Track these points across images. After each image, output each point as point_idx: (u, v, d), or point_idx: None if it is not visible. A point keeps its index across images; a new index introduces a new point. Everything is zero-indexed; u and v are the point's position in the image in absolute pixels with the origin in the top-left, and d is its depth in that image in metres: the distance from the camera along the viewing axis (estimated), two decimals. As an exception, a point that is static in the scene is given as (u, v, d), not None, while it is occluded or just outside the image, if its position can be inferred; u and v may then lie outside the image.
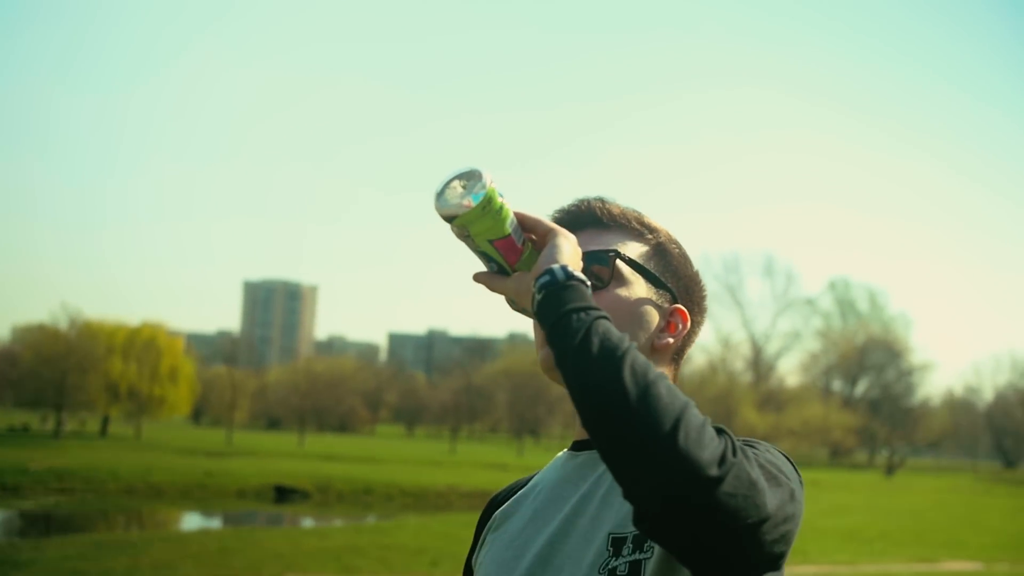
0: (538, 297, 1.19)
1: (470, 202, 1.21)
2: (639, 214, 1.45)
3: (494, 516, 1.47)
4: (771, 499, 1.11)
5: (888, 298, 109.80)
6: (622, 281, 1.38)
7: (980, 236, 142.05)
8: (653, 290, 1.40)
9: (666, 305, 1.41)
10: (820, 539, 17.35)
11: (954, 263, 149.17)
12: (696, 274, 1.47)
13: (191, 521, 22.02)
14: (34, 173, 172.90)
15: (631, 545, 1.25)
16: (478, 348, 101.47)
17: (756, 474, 1.10)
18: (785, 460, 1.25)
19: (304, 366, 70.19)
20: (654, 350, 1.39)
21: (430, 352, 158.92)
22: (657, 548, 1.22)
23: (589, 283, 1.21)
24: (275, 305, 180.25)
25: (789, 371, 75.88)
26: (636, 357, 1.10)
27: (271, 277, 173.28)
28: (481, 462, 41.43)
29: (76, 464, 27.32)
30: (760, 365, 72.63)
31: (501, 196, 1.24)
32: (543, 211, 1.37)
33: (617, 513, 1.28)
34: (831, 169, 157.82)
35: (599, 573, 1.25)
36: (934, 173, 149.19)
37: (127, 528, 20.50)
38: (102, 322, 48.19)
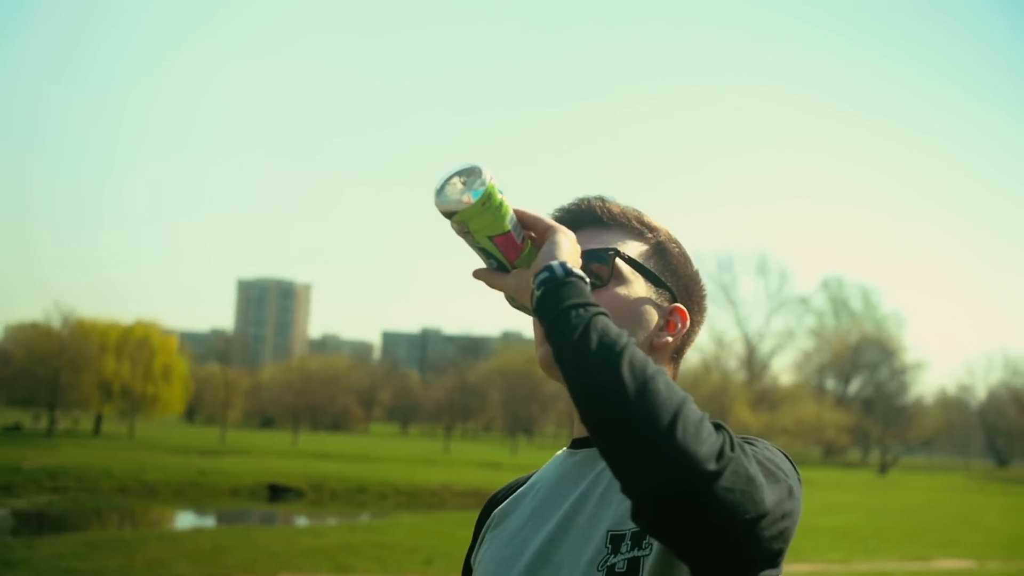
0: (537, 293, 1.20)
1: (470, 198, 1.21)
2: (639, 213, 1.46)
3: (493, 514, 1.48)
4: (769, 495, 1.11)
5: (881, 297, 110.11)
6: (622, 280, 1.38)
7: (974, 234, 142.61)
8: (653, 289, 1.41)
9: (665, 304, 1.42)
10: (813, 537, 17.38)
11: (948, 261, 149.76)
12: (696, 273, 1.47)
13: (185, 520, 21.99)
14: (30, 171, 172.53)
15: (630, 542, 1.25)
16: (472, 347, 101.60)
17: (754, 470, 1.10)
18: (783, 458, 1.25)
19: (298, 364, 70.21)
20: (653, 349, 1.39)
21: (424, 351, 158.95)
22: (656, 545, 1.23)
23: (588, 280, 1.22)
24: (269, 304, 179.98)
25: (783, 370, 76.25)
26: (635, 353, 1.10)
27: (265, 276, 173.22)
28: (475, 461, 41.46)
29: (69, 463, 27.27)
30: (754, 364, 72.81)
31: (501, 193, 1.24)
32: (539, 208, 1.37)
33: (616, 511, 1.28)
34: (824, 167, 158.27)
35: (598, 570, 1.25)
36: (927, 171, 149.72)
37: (120, 527, 20.46)
38: (95, 320, 48.15)
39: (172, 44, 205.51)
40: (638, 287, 1.39)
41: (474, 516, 1.55)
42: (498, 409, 67.58)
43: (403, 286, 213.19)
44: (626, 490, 1.09)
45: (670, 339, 1.41)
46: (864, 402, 70.98)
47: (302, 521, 22.61)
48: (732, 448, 1.08)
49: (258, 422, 76.19)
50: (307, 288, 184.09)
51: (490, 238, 1.26)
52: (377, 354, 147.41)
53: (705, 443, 1.06)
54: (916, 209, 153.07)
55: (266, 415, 74.76)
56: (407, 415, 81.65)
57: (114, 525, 20.65)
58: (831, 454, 70.21)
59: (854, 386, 74.94)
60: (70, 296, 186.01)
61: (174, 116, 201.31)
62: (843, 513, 24.90)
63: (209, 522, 21.75)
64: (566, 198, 1.47)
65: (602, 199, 1.45)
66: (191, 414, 74.34)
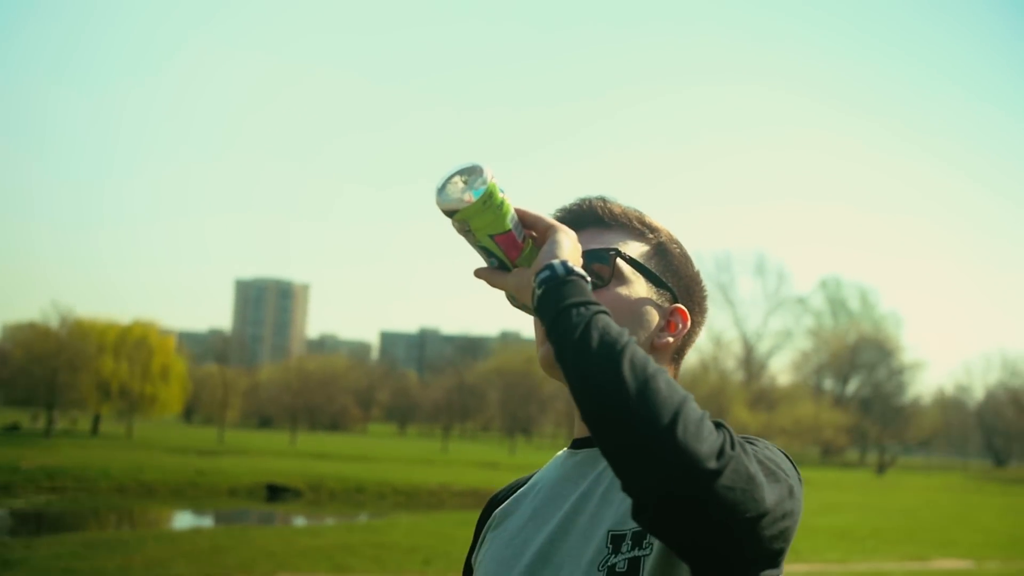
0: (538, 292, 1.20)
1: (471, 197, 1.22)
2: (640, 213, 1.46)
3: (494, 514, 1.48)
4: (769, 494, 1.11)
5: (879, 297, 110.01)
6: (623, 280, 1.39)
7: (972, 234, 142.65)
8: (653, 289, 1.41)
9: (666, 304, 1.42)
10: (811, 537, 17.38)
11: (946, 261, 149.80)
12: (696, 274, 1.48)
13: (183, 520, 21.98)
14: (29, 171, 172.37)
15: (630, 542, 1.25)
16: (470, 347, 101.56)
17: (755, 469, 1.10)
18: (784, 457, 1.26)
19: (296, 364, 70.19)
20: (654, 349, 1.40)
21: (422, 351, 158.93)
22: (656, 545, 1.23)
23: (589, 278, 1.22)
24: (267, 303, 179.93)
25: (780, 370, 76.21)
26: (635, 351, 1.11)
27: (263, 275, 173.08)
28: (473, 461, 41.47)
29: (67, 463, 27.24)
30: (751, 364, 72.82)
31: (502, 191, 1.25)
32: (540, 208, 1.38)
33: (616, 511, 1.28)
34: (823, 167, 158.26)
35: (598, 570, 1.26)
36: (926, 171, 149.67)
37: (119, 527, 20.44)
38: (93, 320, 48.10)
39: (172, 44, 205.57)
40: (639, 287, 1.40)
41: (473, 516, 1.55)
42: (496, 409, 67.59)
43: (401, 286, 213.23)
44: (627, 488, 1.09)
45: (671, 339, 1.41)
46: (862, 402, 71.03)
47: (300, 521, 22.61)
48: (733, 447, 1.09)
49: (256, 422, 76.14)
50: (305, 288, 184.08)
51: (491, 237, 1.26)
52: (375, 354, 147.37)
53: (706, 442, 1.06)
54: (914, 209, 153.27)
55: (264, 415, 74.74)
56: (405, 415, 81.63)
57: (112, 525, 20.63)
58: (829, 454, 70.25)
59: (852, 386, 75.02)
60: (68, 296, 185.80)
61: (173, 116, 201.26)
62: (841, 513, 24.91)
63: (207, 522, 21.74)
64: (566, 198, 1.48)
65: (603, 199, 1.46)
66: (189, 414, 74.28)
